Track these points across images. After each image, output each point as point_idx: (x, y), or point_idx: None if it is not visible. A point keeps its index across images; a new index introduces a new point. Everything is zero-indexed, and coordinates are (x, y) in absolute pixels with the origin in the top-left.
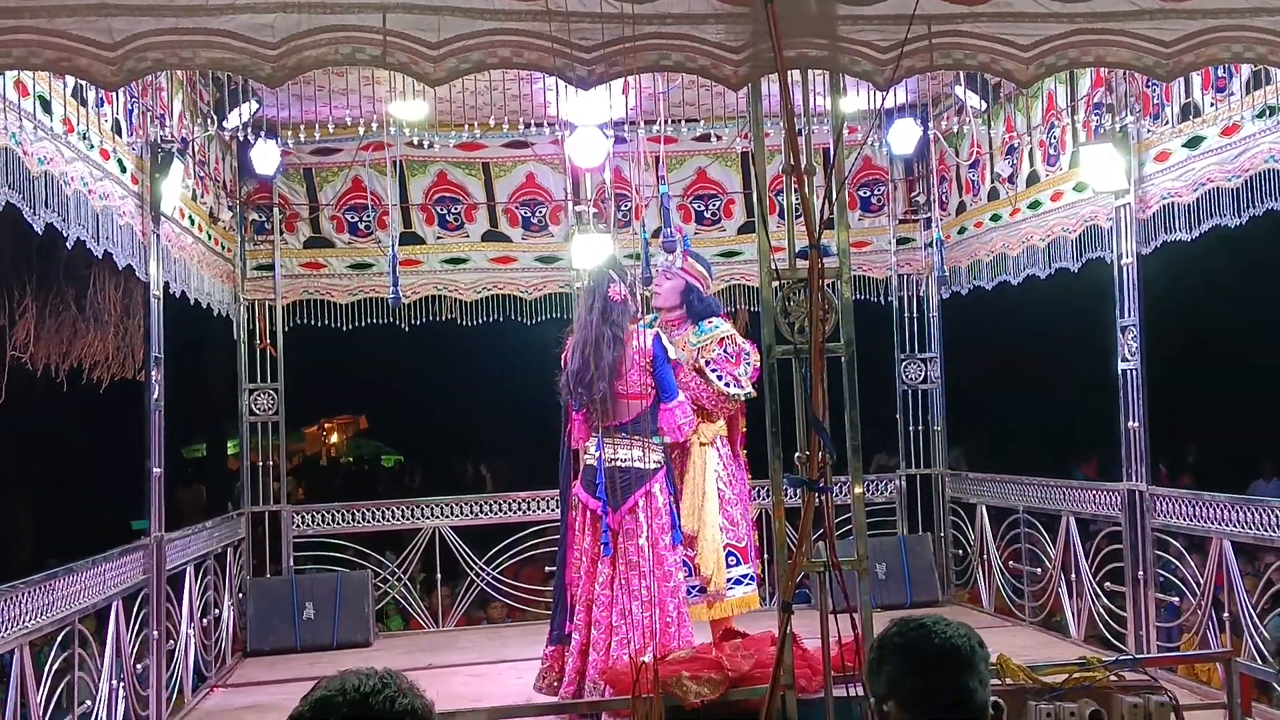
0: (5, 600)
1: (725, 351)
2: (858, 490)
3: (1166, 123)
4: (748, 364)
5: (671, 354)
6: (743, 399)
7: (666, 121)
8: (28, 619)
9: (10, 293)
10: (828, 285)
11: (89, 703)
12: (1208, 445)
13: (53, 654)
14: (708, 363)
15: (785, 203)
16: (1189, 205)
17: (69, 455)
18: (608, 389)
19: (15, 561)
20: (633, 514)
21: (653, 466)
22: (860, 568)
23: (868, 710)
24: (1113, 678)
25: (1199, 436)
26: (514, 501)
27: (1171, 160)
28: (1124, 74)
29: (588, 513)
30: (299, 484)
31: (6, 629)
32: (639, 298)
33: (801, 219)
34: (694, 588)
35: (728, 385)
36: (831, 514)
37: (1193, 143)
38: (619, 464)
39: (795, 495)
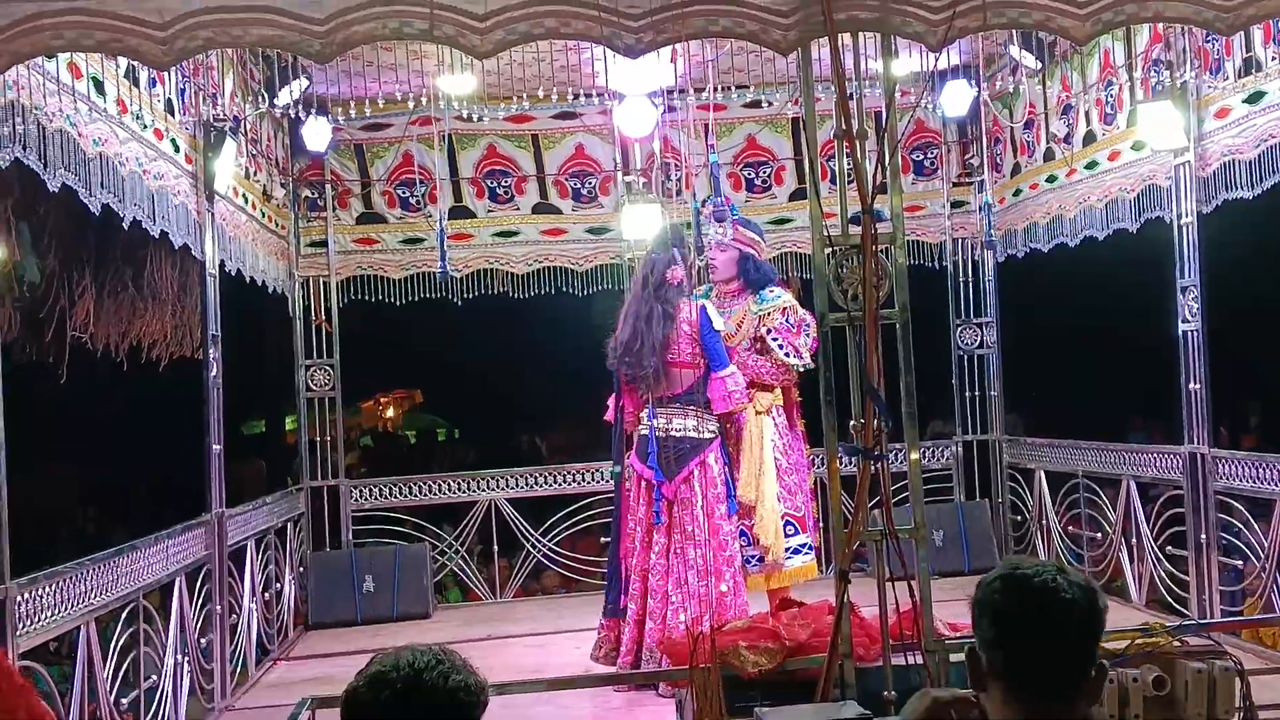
0: (71, 577)
1: (788, 321)
2: (914, 457)
3: (1227, 78)
4: (808, 334)
5: (718, 325)
6: (801, 370)
7: (716, 88)
8: (93, 596)
9: (69, 273)
10: (881, 251)
11: (154, 677)
12: (1271, 406)
13: (118, 630)
14: (769, 331)
15: (837, 168)
16: (1250, 162)
17: (130, 433)
18: (659, 361)
19: (80, 539)
20: (688, 484)
21: (708, 436)
22: (918, 535)
23: (928, 678)
24: (1176, 643)
25: (1261, 397)
26: (569, 473)
27: (1232, 116)
28: (1183, 29)
29: (643, 483)
30: (357, 458)
31: (73, 606)
32: (692, 269)
33: (854, 184)
34: (753, 557)
35: (788, 355)
36: (888, 482)
37: (1254, 98)
38: (673, 434)
39: (851, 463)
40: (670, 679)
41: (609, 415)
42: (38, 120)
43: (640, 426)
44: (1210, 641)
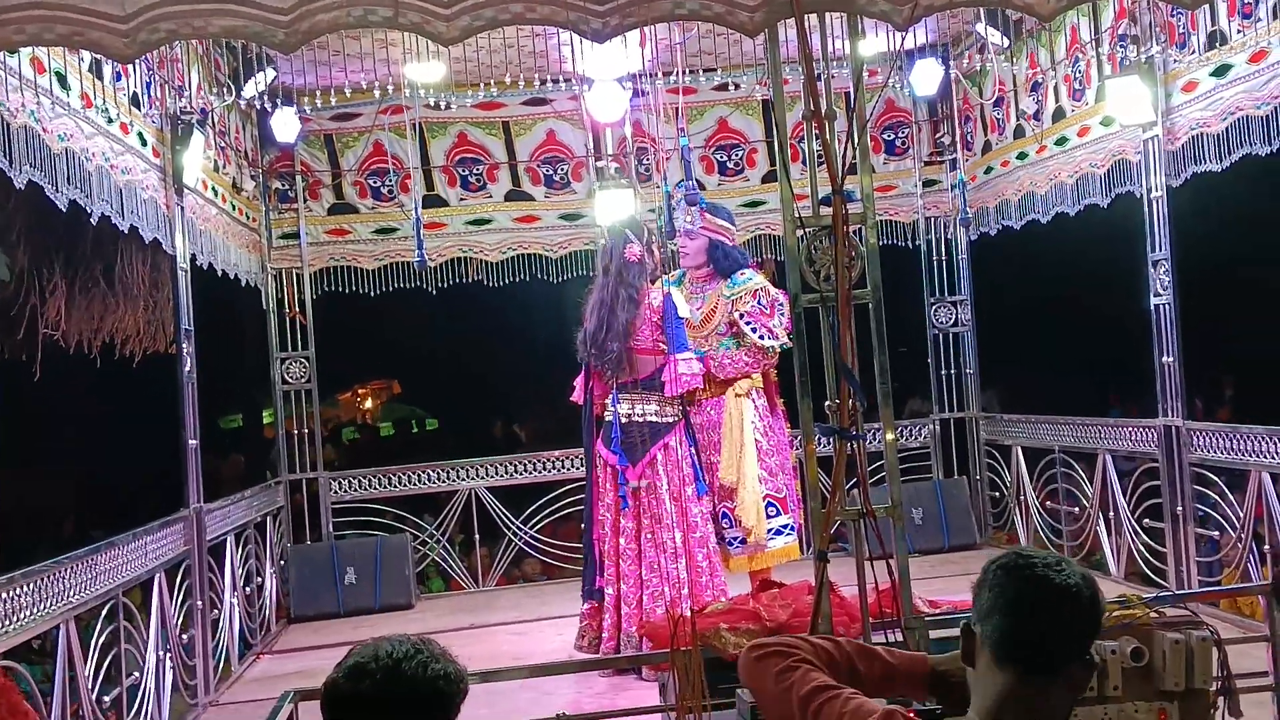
0: (49, 576)
1: (759, 304)
2: (890, 436)
3: (1193, 52)
4: (781, 314)
5: (682, 311)
6: (779, 349)
7: (685, 72)
8: (72, 594)
9: (39, 271)
10: (853, 231)
11: (136, 674)
12: (1243, 377)
13: (99, 628)
14: (741, 316)
15: (807, 149)
16: (1218, 135)
17: (105, 431)
18: (622, 348)
19: (57, 537)
20: (652, 468)
21: (670, 420)
22: (895, 514)
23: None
24: (1154, 615)
25: (1234, 369)
26: (547, 460)
27: (1199, 90)
28: (1149, 3)
29: (609, 468)
30: (335, 450)
31: (52, 604)
32: (659, 252)
33: (824, 165)
34: (736, 539)
35: (762, 338)
36: (864, 461)
37: (1220, 71)
38: (636, 419)
39: (828, 444)
40: (652, 662)
41: (576, 396)
42: (1, 116)
43: (606, 413)
44: (1187, 612)
